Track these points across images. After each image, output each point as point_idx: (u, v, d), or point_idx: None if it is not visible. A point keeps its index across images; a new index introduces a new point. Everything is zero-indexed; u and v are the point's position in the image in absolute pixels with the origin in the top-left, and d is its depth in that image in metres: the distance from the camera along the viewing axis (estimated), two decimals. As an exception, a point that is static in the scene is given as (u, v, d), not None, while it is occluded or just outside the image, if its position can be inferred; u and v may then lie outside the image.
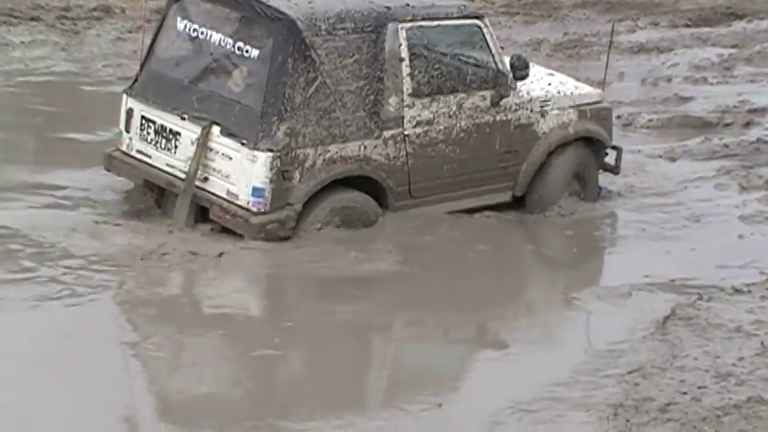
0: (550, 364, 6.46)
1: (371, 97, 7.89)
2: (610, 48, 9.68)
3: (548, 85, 8.96)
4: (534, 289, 7.97)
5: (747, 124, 11.74)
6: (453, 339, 7.01)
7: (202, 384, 5.98)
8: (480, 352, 6.89)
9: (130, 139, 8.19)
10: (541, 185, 8.81)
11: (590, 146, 9.09)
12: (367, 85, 7.87)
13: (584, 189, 9.14)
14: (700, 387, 6.08)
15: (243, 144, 7.58)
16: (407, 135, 8.07)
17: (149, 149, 8.08)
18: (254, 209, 7.56)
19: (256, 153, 7.51)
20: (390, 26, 7.90)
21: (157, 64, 8.19)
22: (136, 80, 8.27)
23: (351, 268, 7.53)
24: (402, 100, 7.99)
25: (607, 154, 9.25)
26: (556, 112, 8.83)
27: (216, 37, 7.88)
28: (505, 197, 8.74)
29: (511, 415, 5.80)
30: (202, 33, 7.96)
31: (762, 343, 6.67)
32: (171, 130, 7.95)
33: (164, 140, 8.00)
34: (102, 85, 11.52)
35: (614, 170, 9.28)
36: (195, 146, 7.75)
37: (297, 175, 7.63)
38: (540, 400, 5.97)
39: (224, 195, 7.68)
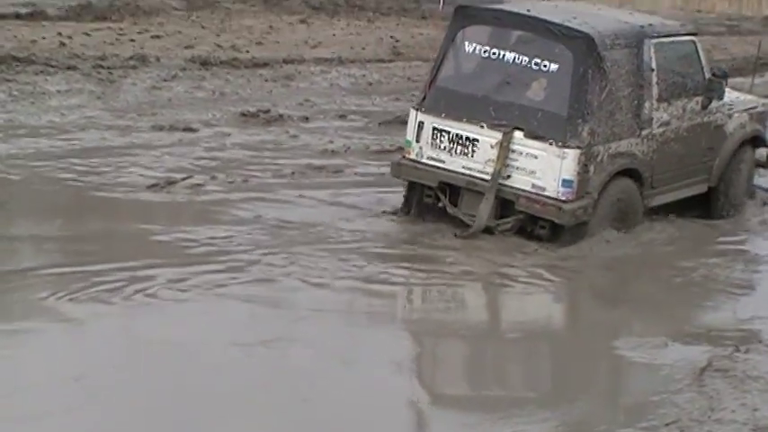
0: (586, 415, 6.39)
1: (635, 102, 9.21)
2: (757, 60, 11.91)
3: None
4: (573, 335, 7.90)
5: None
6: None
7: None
8: (513, 399, 6.83)
9: (420, 148, 9.29)
10: (728, 179, 10.29)
11: (753, 144, 10.58)
12: (632, 92, 9.18)
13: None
14: (738, 440, 6.00)
15: (550, 144, 8.75)
16: (654, 134, 9.40)
17: (442, 155, 9.16)
18: (564, 198, 8.79)
19: (566, 150, 8.75)
20: (646, 42, 9.27)
21: (446, 82, 9.33)
22: (424, 98, 9.34)
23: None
24: (652, 104, 9.34)
25: None
26: (737, 114, 10.39)
27: (510, 56, 9.09)
28: (703, 188, 10.21)
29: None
30: (494, 53, 9.15)
31: (800, 396, 6.59)
32: (468, 138, 9.03)
33: (459, 147, 9.08)
34: (137, 131, 11.61)
35: (765, 165, 10.92)
36: (497, 149, 8.85)
37: (592, 168, 8.89)
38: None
39: (529, 189, 8.88)
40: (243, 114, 12.69)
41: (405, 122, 12.69)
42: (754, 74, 12.02)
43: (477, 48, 9.23)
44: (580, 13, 9.46)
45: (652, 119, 9.36)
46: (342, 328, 7.39)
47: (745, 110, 10.57)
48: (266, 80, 14.58)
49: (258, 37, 17.10)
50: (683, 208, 10.13)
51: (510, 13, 9.35)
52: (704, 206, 10.34)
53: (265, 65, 15.26)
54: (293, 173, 10.62)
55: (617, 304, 8.54)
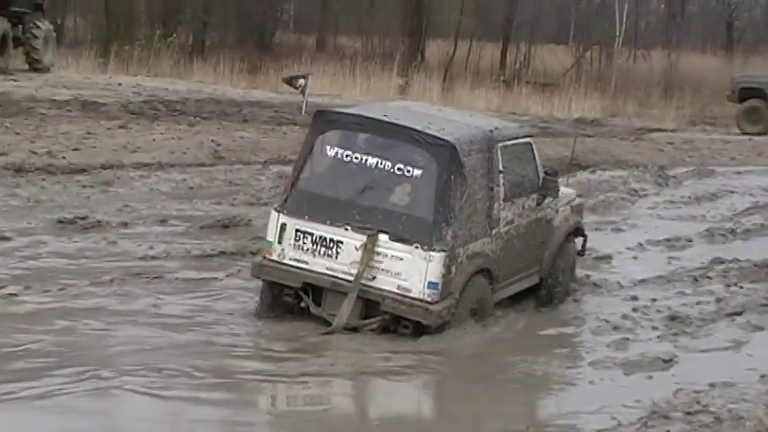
0: None
1: (487, 203, 9.60)
2: (571, 159, 12.63)
3: None
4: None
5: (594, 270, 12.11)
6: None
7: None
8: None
9: (283, 249, 9.36)
10: (555, 270, 10.74)
11: (574, 235, 11.18)
12: (485, 194, 9.54)
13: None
14: None
15: (416, 247, 8.99)
16: (501, 233, 9.81)
17: (305, 257, 9.28)
18: (430, 299, 9.03)
19: (432, 254, 9.01)
20: (495, 146, 9.69)
21: (308, 185, 9.48)
22: (286, 200, 9.44)
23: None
24: (500, 204, 9.75)
25: None
26: (561, 208, 10.98)
27: (372, 160, 9.30)
28: (536, 280, 10.67)
29: None
30: (356, 158, 9.35)
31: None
32: (332, 240, 9.18)
33: (323, 248, 9.22)
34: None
35: (581, 253, 11.43)
36: (361, 251, 9.03)
37: (454, 269, 9.16)
38: None
39: (394, 290, 9.08)
40: (60, 222, 12.40)
41: (226, 226, 12.86)
42: (568, 173, 12.50)
43: (339, 152, 9.41)
44: (432, 118, 9.81)
45: (500, 218, 9.78)
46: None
47: (567, 203, 11.21)
48: (84, 186, 14.34)
49: (75, 143, 16.84)
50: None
51: (371, 119, 9.54)
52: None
53: (83, 171, 15.04)
54: (112, 280, 10.40)
55: (438, 404, 8.64)
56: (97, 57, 30.25)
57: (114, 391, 7.71)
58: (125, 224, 12.67)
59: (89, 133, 17.72)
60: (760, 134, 26.10)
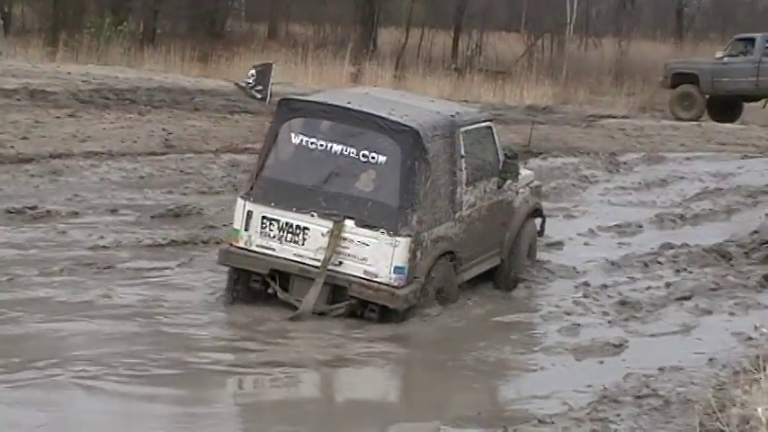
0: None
1: (450, 187, 9.75)
2: (527, 146, 12.75)
3: None
4: (344, 424, 7.90)
5: (546, 256, 12.17)
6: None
7: None
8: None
9: (249, 236, 9.43)
10: (514, 251, 10.93)
11: (533, 216, 11.40)
12: (448, 178, 9.70)
13: (529, 255, 11.32)
14: None
15: (382, 233, 9.12)
16: (464, 216, 9.97)
17: (272, 243, 9.35)
18: (396, 283, 9.17)
19: (398, 239, 9.15)
20: (457, 131, 9.83)
21: (273, 173, 9.54)
22: (252, 187, 9.49)
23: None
24: (462, 188, 9.89)
25: None
26: (521, 190, 11.20)
27: (337, 147, 9.39)
28: (497, 261, 10.84)
29: None
30: (321, 145, 9.45)
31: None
32: (298, 226, 9.26)
33: (289, 235, 9.30)
34: None
35: (540, 233, 11.63)
36: (328, 237, 9.12)
37: (419, 254, 9.30)
38: None
39: (361, 275, 9.19)
40: (8, 211, 12.28)
41: (178, 215, 12.79)
42: (522, 161, 12.63)
43: (304, 140, 9.52)
44: (395, 104, 9.90)
45: (462, 202, 9.93)
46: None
47: (527, 185, 11.38)
48: (32, 176, 14.20)
49: (24, 132, 16.67)
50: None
51: (335, 106, 9.61)
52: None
53: (31, 160, 14.88)
54: (62, 270, 10.31)
55: (395, 391, 8.69)
56: (46, 45, 29.93)
57: (62, 383, 7.65)
58: (75, 214, 12.57)
59: (38, 122, 17.55)
60: (692, 120, 26.35)
